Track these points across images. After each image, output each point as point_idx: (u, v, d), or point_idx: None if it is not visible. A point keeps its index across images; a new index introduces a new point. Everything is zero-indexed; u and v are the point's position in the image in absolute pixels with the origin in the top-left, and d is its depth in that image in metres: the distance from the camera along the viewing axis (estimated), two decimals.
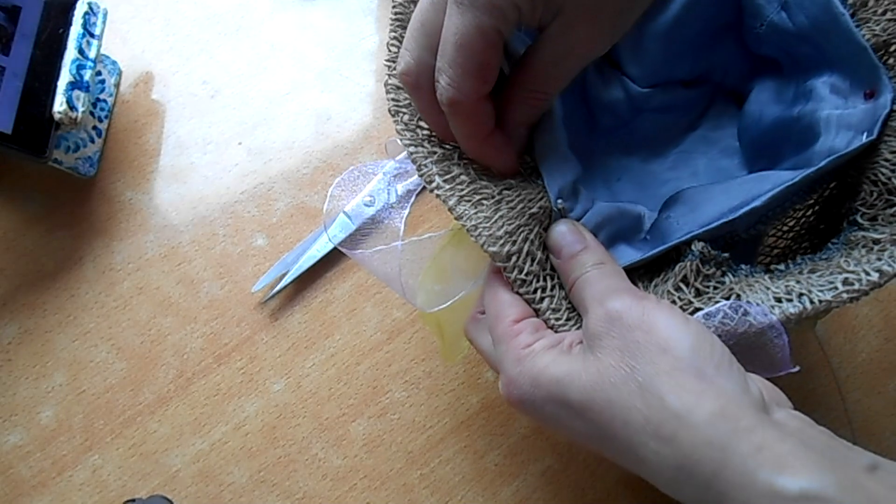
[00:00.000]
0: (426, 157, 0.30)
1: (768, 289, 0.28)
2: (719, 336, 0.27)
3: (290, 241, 0.46)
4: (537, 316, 0.30)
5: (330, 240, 0.44)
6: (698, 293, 0.30)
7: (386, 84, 0.32)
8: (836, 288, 0.28)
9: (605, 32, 0.29)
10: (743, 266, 0.30)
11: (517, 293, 0.30)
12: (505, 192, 0.30)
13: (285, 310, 0.45)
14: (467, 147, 0.31)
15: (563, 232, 0.30)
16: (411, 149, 0.31)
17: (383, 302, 0.45)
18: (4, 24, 0.40)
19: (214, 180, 0.47)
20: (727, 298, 0.29)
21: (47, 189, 0.46)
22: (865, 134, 0.31)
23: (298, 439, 0.42)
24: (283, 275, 0.45)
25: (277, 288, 0.44)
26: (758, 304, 0.28)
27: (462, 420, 0.43)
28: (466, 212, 0.29)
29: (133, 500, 0.40)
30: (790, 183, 0.30)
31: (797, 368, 0.28)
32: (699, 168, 0.40)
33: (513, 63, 0.31)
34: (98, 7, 0.45)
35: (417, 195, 0.45)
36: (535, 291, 0.30)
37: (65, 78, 0.41)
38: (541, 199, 0.31)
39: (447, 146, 0.31)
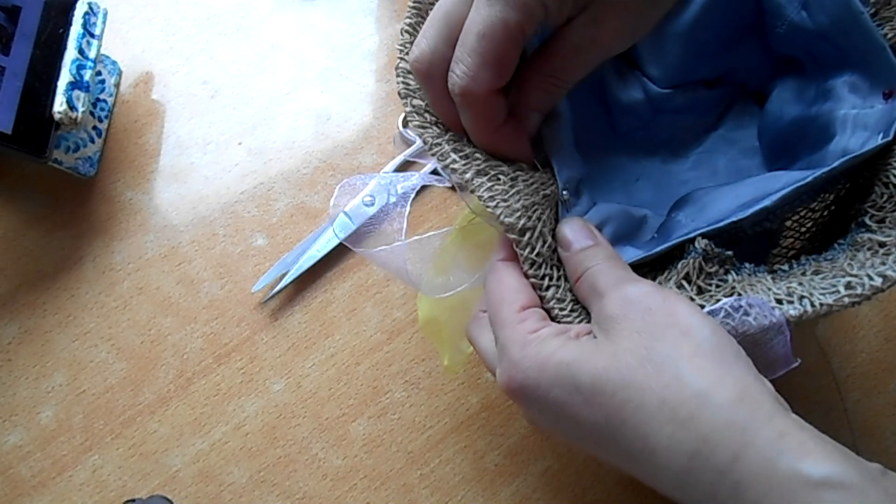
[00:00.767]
0: (438, 137, 0.30)
1: (769, 289, 0.28)
2: None
3: (290, 241, 0.46)
4: (542, 304, 0.30)
5: (336, 235, 0.44)
6: (700, 291, 0.29)
7: (397, 67, 0.32)
8: (839, 292, 0.27)
9: (631, 26, 0.29)
10: (746, 265, 0.30)
11: (526, 275, 0.30)
12: (519, 170, 0.30)
13: (285, 310, 0.45)
14: (478, 139, 0.30)
15: (574, 227, 0.30)
16: (421, 130, 0.30)
17: (383, 302, 0.45)
18: (4, 24, 0.40)
19: (214, 180, 0.47)
20: (729, 297, 0.29)
21: (47, 189, 0.46)
22: (881, 135, 0.30)
23: (298, 439, 0.42)
24: (283, 275, 0.45)
25: (277, 288, 0.44)
26: (760, 302, 0.27)
27: (462, 420, 0.43)
28: (483, 184, 0.29)
29: (133, 500, 0.40)
30: (801, 183, 0.30)
31: (798, 362, 0.28)
32: (719, 168, 0.40)
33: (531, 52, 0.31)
34: (98, 7, 0.45)
35: (417, 195, 0.45)
36: (542, 278, 0.29)
37: (65, 78, 0.41)
38: (552, 184, 0.31)
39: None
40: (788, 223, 0.37)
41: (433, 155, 0.30)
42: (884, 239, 0.29)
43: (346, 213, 0.45)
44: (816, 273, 0.29)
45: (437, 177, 0.41)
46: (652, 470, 0.25)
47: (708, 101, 0.40)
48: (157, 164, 0.47)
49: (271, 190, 0.47)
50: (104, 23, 0.45)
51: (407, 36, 0.32)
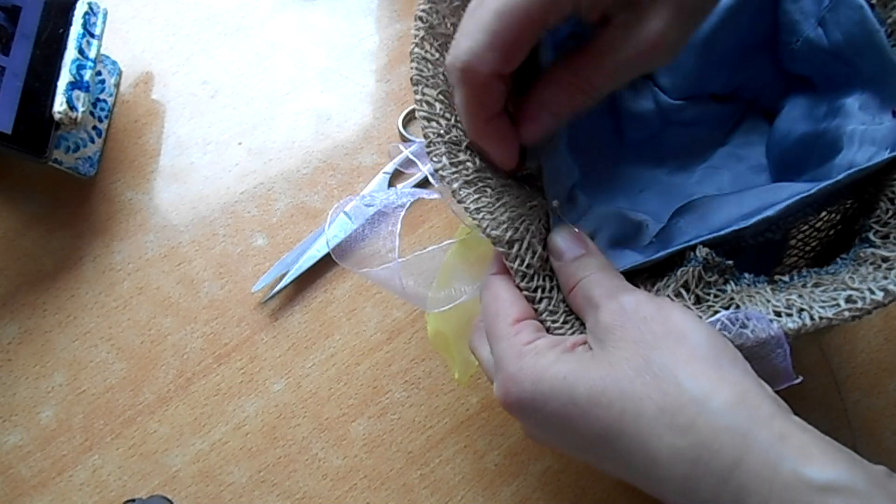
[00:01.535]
0: (437, 134, 0.30)
1: (768, 301, 0.28)
2: None
3: (290, 241, 0.46)
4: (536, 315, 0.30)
5: (331, 251, 0.44)
6: (698, 300, 0.29)
7: (411, 53, 0.31)
8: (839, 305, 0.27)
9: (676, 29, 0.26)
10: (746, 275, 0.30)
11: (518, 287, 0.29)
12: (506, 186, 0.30)
13: (285, 310, 0.45)
14: (469, 127, 0.29)
15: (565, 236, 0.30)
16: (426, 122, 0.30)
17: (383, 302, 0.45)
18: (4, 24, 0.40)
19: (214, 180, 0.47)
20: (726, 308, 0.28)
21: (47, 189, 0.46)
22: (889, 150, 0.30)
23: (298, 439, 0.42)
24: (283, 275, 0.45)
25: (277, 288, 0.44)
26: (758, 315, 0.27)
27: (462, 420, 0.43)
28: (470, 195, 0.29)
29: (133, 500, 0.40)
30: (806, 194, 0.29)
31: (800, 379, 0.28)
32: (725, 184, 0.39)
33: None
34: (98, 7, 0.45)
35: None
36: (535, 290, 0.29)
37: (65, 78, 0.41)
38: (540, 196, 0.31)
39: (460, 130, 0.30)
40: (793, 241, 0.37)
41: (428, 153, 0.30)
42: (887, 254, 0.29)
43: (346, 213, 0.45)
44: (817, 286, 0.29)
45: (426, 190, 0.40)
46: (653, 479, 0.24)
47: (718, 116, 0.40)
48: (157, 164, 0.47)
49: (271, 190, 0.47)
50: (104, 23, 0.45)
51: (420, 23, 0.31)
